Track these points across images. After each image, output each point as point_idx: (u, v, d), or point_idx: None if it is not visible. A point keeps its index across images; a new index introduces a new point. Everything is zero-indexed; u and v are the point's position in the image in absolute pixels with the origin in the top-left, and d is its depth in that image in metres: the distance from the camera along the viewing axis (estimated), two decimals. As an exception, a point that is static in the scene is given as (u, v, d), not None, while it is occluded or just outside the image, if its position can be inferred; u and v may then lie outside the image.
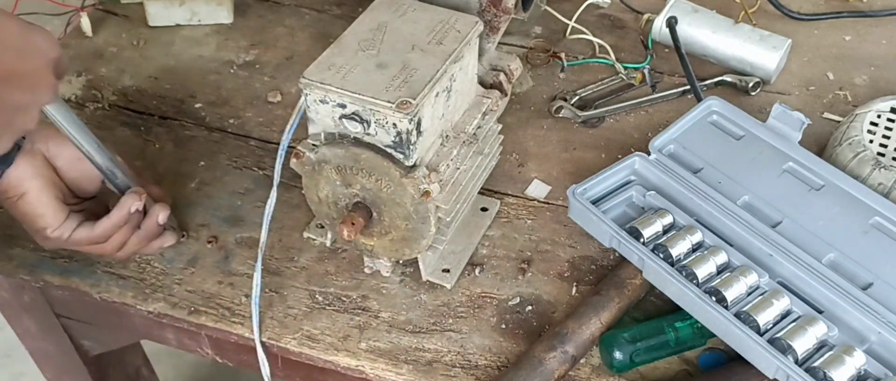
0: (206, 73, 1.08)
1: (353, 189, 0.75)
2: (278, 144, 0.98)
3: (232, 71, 1.08)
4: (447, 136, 0.78)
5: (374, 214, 0.76)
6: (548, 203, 0.92)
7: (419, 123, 0.71)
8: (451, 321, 0.81)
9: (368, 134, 0.72)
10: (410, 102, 0.68)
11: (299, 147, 0.76)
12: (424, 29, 0.76)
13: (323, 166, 0.75)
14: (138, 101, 1.04)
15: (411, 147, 0.71)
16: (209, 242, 0.88)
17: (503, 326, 0.81)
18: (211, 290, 0.84)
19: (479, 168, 0.83)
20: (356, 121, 0.71)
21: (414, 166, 0.73)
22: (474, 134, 0.81)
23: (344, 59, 0.72)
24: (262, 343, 0.80)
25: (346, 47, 0.74)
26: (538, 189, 0.93)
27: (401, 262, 0.84)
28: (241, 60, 1.10)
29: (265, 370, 0.80)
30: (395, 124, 0.70)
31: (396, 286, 0.84)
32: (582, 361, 0.78)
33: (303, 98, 0.73)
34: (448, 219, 0.78)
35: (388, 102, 0.68)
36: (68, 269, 0.85)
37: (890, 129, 0.90)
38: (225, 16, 1.14)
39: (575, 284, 0.84)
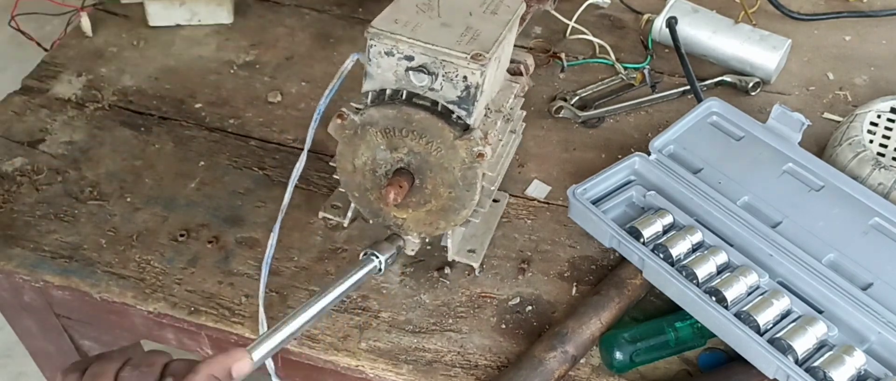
0: (206, 73, 1.08)
1: (399, 153, 0.75)
2: (278, 144, 0.98)
3: (232, 71, 1.08)
4: (489, 109, 0.78)
5: (417, 181, 0.76)
6: (548, 203, 0.91)
7: (483, 83, 0.71)
8: (451, 321, 0.81)
9: (433, 89, 0.72)
10: (484, 55, 0.69)
11: (344, 109, 0.75)
12: (476, 1, 0.77)
13: (367, 130, 0.74)
14: (138, 101, 1.04)
15: (475, 104, 0.71)
16: (209, 242, 0.88)
17: (503, 326, 0.81)
18: (211, 290, 0.84)
19: (511, 146, 0.84)
20: (424, 73, 0.71)
21: (468, 129, 0.73)
22: (510, 111, 0.81)
23: (407, 17, 0.72)
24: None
25: (404, 9, 0.74)
26: (538, 189, 0.93)
27: (424, 244, 0.83)
28: (241, 60, 1.10)
29: (271, 368, 0.80)
30: (465, 77, 0.70)
31: (396, 286, 0.84)
32: (582, 361, 0.78)
33: (349, 61, 0.73)
34: (492, 187, 0.78)
35: (463, 52, 0.69)
36: (68, 269, 0.85)
37: (890, 129, 0.90)
38: (225, 16, 1.14)
39: (575, 284, 0.84)
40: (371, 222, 0.82)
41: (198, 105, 1.03)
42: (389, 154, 0.75)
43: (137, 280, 0.84)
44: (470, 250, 0.84)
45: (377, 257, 0.77)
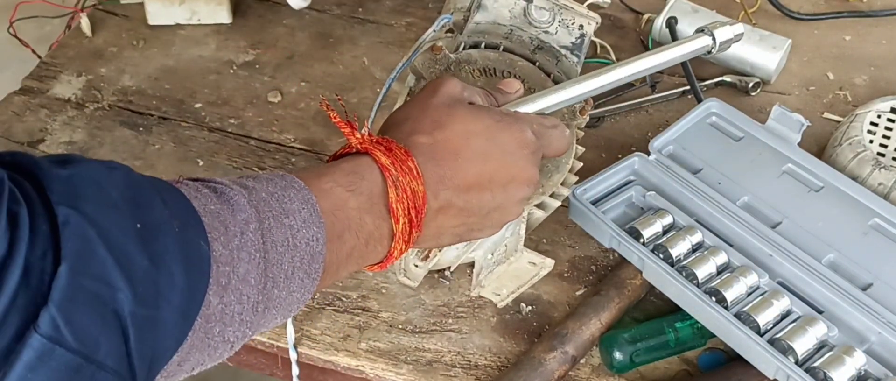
0: (206, 73, 1.08)
1: None
2: (278, 144, 0.98)
3: (232, 71, 1.08)
4: None
5: None
6: (548, 203, 0.91)
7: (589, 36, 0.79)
8: (451, 321, 0.81)
9: (547, 32, 0.78)
10: (601, 5, 0.76)
11: (440, 43, 0.73)
12: None
13: (462, 66, 0.74)
14: (138, 101, 1.04)
15: (581, 54, 0.76)
16: (209, 242, 0.88)
17: (503, 326, 0.81)
18: (211, 290, 0.83)
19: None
20: (545, 10, 0.76)
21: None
22: None
23: None
24: (265, 342, 0.80)
25: None
26: (538, 189, 0.93)
27: None
28: (241, 60, 1.10)
29: (295, 370, 0.79)
30: (581, 26, 0.79)
31: (396, 286, 0.84)
32: (582, 361, 0.78)
33: (439, 21, 0.73)
34: (579, 154, 0.77)
35: (582, 1, 0.77)
36: (68, 269, 0.85)
37: (890, 129, 0.90)
38: (225, 16, 1.14)
39: (575, 284, 0.84)
40: None
41: (197, 105, 1.03)
42: None
43: (137, 280, 0.84)
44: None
45: (713, 37, 0.74)
